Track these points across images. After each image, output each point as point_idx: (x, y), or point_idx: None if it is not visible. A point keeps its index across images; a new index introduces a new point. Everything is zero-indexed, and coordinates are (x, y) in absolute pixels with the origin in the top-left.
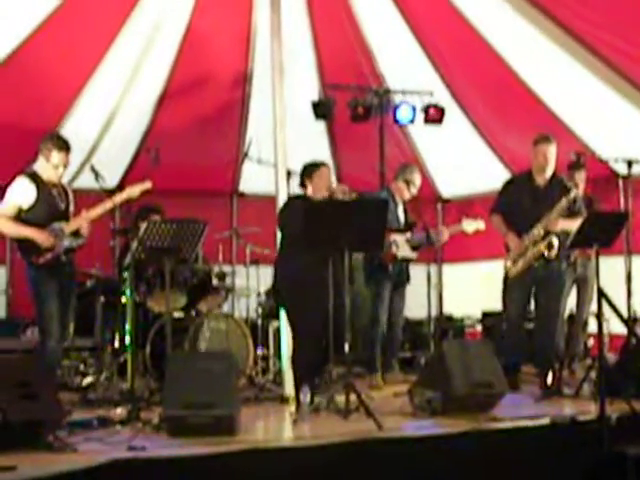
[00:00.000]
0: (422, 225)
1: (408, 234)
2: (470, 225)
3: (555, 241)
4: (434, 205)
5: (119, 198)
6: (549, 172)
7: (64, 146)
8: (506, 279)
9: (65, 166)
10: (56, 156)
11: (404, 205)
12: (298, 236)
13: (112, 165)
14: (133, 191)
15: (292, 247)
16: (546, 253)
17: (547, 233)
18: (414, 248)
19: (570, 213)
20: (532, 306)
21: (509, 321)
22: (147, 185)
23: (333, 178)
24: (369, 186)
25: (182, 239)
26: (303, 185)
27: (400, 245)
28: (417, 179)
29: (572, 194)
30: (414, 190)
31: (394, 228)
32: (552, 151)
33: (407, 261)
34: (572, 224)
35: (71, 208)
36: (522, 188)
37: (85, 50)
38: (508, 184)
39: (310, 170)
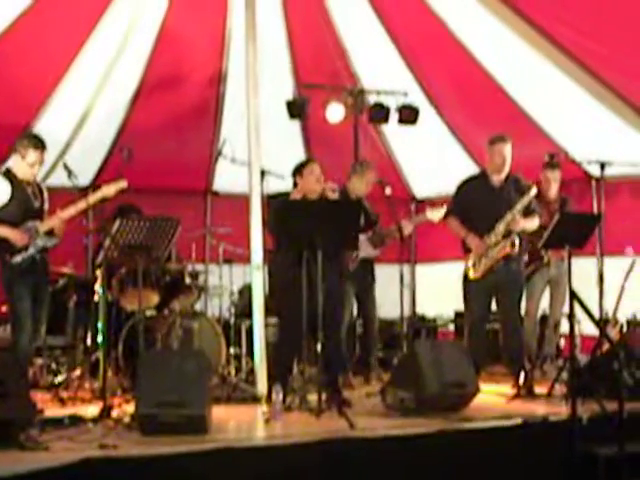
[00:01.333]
0: (395, 222)
1: (370, 233)
2: (435, 214)
3: (517, 239)
4: (408, 205)
5: (94, 197)
6: (505, 171)
7: (40, 144)
8: (465, 282)
9: (40, 164)
10: (32, 154)
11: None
12: (275, 235)
13: (86, 163)
14: (108, 190)
15: (275, 246)
16: (510, 251)
17: (508, 232)
18: (378, 244)
19: (525, 212)
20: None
21: (472, 324)
22: (122, 184)
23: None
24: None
25: (155, 237)
26: (295, 185)
27: (361, 245)
28: (371, 175)
29: (533, 191)
30: (370, 187)
31: None
32: (508, 150)
33: (370, 261)
34: (529, 223)
35: (46, 206)
36: (478, 189)
37: (59, 47)
38: (463, 185)
39: (300, 168)
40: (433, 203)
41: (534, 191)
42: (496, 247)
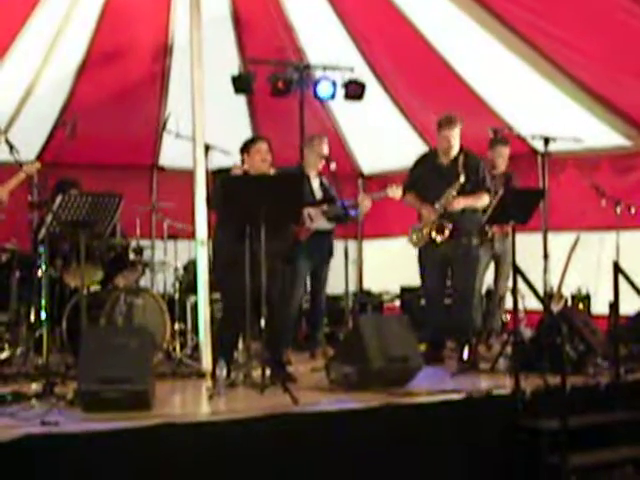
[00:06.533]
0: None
1: (324, 206)
2: (396, 191)
3: (447, 225)
4: (355, 181)
5: (16, 180)
6: (453, 153)
7: None
8: (419, 256)
9: None
10: None
11: (320, 178)
12: (218, 211)
13: (30, 138)
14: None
15: (217, 222)
16: (434, 236)
17: (447, 213)
18: (333, 220)
19: (474, 188)
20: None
21: (428, 297)
22: (36, 165)
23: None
24: (289, 161)
25: (97, 212)
26: (243, 161)
27: (314, 217)
28: (324, 149)
29: (461, 180)
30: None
31: (307, 202)
32: (455, 135)
33: (325, 233)
34: (475, 200)
35: None
36: (427, 166)
37: (2, 21)
38: (416, 163)
39: (248, 145)
40: (393, 180)
41: (462, 180)
42: (432, 224)
